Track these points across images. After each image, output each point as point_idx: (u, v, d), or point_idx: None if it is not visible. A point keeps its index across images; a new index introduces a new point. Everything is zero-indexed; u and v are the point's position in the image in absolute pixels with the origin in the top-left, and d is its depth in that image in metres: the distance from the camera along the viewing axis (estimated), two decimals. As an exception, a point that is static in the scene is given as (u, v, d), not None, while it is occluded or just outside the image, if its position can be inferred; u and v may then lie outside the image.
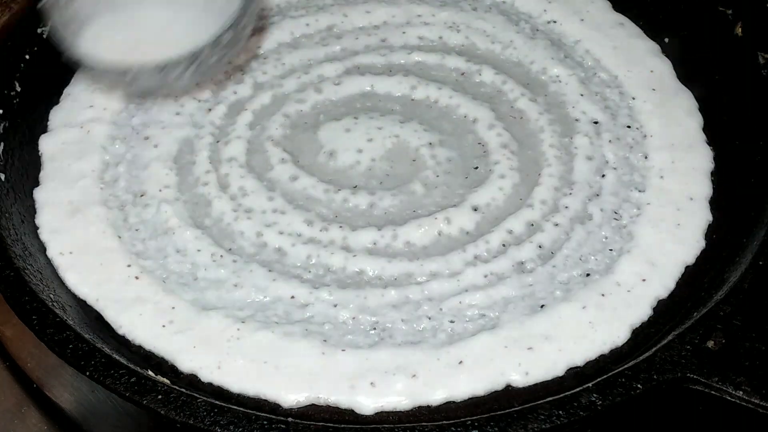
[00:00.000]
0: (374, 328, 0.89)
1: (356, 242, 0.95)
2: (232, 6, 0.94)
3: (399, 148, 1.03)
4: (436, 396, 0.84)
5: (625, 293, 0.90)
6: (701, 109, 1.06)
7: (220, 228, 0.97)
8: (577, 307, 0.89)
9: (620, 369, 0.80)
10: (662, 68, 1.10)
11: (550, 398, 0.78)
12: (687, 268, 0.93)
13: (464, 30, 1.15)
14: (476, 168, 1.01)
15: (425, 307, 0.90)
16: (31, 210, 0.99)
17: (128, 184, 1.01)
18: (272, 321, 0.89)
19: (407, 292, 0.90)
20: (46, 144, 1.05)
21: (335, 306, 0.90)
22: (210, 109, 1.08)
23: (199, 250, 0.95)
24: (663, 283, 0.91)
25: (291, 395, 0.84)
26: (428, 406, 0.84)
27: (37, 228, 0.97)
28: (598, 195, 0.98)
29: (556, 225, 0.95)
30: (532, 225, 0.96)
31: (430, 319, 0.89)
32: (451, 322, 0.89)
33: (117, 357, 0.82)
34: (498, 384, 0.84)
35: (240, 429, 0.76)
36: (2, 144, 1.01)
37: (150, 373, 0.83)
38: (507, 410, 0.77)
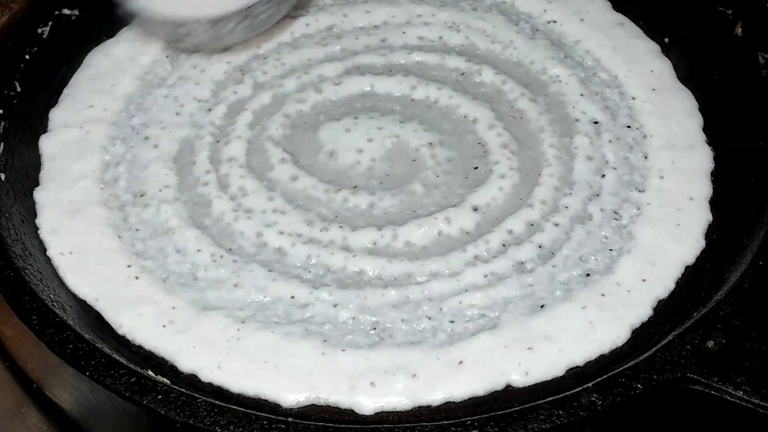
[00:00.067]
0: (374, 328, 0.89)
1: (356, 242, 0.94)
2: None
3: (399, 148, 1.03)
4: (436, 396, 0.84)
5: (625, 293, 0.90)
6: (701, 109, 1.06)
7: (220, 228, 0.97)
8: (577, 307, 0.89)
9: (620, 369, 0.80)
10: (662, 68, 1.10)
11: (550, 398, 0.78)
12: (687, 268, 0.93)
13: (464, 30, 1.15)
14: (476, 168, 1.01)
15: (425, 307, 0.90)
16: (31, 210, 0.98)
17: (128, 185, 1.01)
18: (272, 321, 0.89)
19: (407, 292, 0.90)
20: (46, 144, 1.05)
21: (335, 306, 0.90)
22: (210, 109, 1.08)
23: (199, 250, 0.95)
24: (663, 283, 0.91)
25: (291, 395, 0.84)
26: (428, 406, 0.84)
27: (37, 228, 0.97)
28: (598, 195, 0.98)
29: (556, 225, 0.95)
30: (532, 225, 0.96)
31: (430, 319, 0.89)
32: (451, 322, 0.89)
33: (117, 357, 0.82)
34: (498, 384, 0.84)
35: (240, 429, 0.76)
36: (2, 144, 1.01)
37: (150, 373, 0.83)
38: (507, 410, 0.77)
